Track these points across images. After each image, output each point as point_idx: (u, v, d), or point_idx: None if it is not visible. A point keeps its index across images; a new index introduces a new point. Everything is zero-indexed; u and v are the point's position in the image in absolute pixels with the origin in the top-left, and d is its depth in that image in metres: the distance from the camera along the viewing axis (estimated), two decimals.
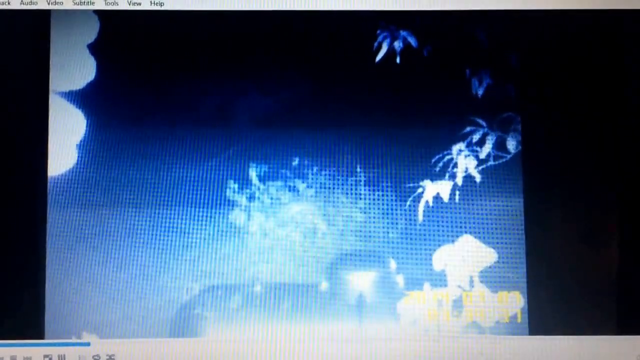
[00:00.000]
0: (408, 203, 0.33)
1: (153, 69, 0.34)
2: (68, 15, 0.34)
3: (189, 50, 0.34)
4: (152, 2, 0.34)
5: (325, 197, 0.33)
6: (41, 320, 0.32)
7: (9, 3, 0.34)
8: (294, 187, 0.33)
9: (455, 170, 0.33)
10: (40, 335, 0.32)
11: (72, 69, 0.34)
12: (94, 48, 0.34)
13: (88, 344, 0.33)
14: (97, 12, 0.34)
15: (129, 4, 0.34)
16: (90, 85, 0.34)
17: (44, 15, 0.34)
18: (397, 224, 0.33)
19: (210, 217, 0.33)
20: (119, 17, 0.34)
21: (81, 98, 0.34)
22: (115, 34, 0.34)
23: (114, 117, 0.33)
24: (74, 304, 0.33)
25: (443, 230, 0.33)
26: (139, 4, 0.34)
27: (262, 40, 0.34)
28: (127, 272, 0.33)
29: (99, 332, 0.33)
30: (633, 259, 0.33)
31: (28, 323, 0.32)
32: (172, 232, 0.33)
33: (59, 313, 0.33)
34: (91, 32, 0.34)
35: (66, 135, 0.33)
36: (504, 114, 0.33)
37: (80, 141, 0.33)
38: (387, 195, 0.33)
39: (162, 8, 0.34)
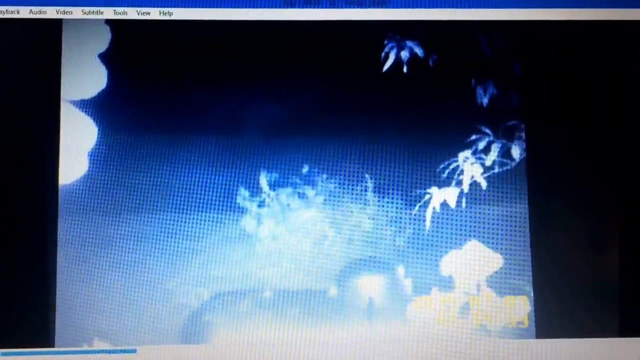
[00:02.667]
0: (415, 210, 0.34)
1: (163, 78, 0.34)
2: (79, 24, 0.34)
3: (199, 59, 0.34)
4: (161, 12, 0.35)
5: (334, 203, 0.34)
6: (52, 329, 0.32)
7: (18, 12, 0.34)
8: (304, 194, 0.34)
9: (461, 177, 0.34)
10: (51, 344, 0.32)
11: (84, 77, 0.34)
12: (105, 57, 0.34)
13: (99, 352, 0.33)
14: (108, 21, 0.34)
15: (138, 14, 0.35)
16: (102, 93, 0.34)
17: (55, 25, 0.34)
18: (404, 230, 0.34)
19: (221, 223, 0.33)
20: (129, 27, 0.34)
21: (92, 106, 0.34)
22: (126, 44, 0.34)
23: (125, 125, 0.34)
24: (84, 312, 0.33)
25: (450, 236, 0.33)
26: (148, 13, 0.35)
27: (271, 50, 0.34)
28: (138, 279, 0.33)
29: (111, 339, 0.33)
30: (638, 263, 0.34)
31: (38, 331, 0.32)
32: (183, 238, 0.33)
33: (70, 321, 0.33)
34: (102, 42, 0.34)
35: (77, 144, 0.33)
36: (508, 122, 0.34)
37: (92, 149, 0.34)
38: (395, 202, 0.34)
39: (171, 18, 0.35)
